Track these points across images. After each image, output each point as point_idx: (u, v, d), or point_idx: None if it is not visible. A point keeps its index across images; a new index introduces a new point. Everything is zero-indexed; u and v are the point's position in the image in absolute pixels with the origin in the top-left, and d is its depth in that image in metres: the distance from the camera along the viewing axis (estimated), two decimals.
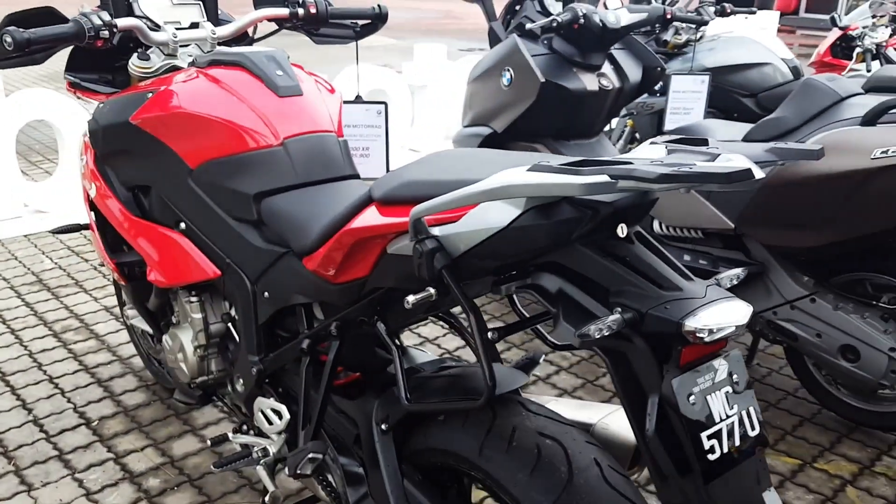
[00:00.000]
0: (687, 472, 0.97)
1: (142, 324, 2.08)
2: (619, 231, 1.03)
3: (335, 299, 1.40)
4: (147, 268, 1.80)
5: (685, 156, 0.98)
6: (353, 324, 1.41)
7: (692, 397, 0.97)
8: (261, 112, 1.61)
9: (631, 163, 0.89)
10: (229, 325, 1.77)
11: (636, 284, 0.99)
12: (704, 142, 1.05)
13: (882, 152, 1.98)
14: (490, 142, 2.94)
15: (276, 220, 1.54)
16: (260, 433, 1.71)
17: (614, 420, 1.26)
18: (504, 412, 1.21)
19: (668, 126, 3.48)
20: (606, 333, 0.95)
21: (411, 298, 1.13)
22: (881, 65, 4.82)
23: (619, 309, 0.97)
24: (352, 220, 1.26)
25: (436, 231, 1.10)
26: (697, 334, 0.94)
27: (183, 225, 1.72)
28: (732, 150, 0.97)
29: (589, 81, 2.68)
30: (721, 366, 1.02)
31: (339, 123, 1.73)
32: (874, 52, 4.83)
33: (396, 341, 1.39)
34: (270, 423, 1.62)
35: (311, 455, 1.37)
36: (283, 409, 1.58)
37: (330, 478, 1.51)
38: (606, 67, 2.76)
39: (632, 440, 1.19)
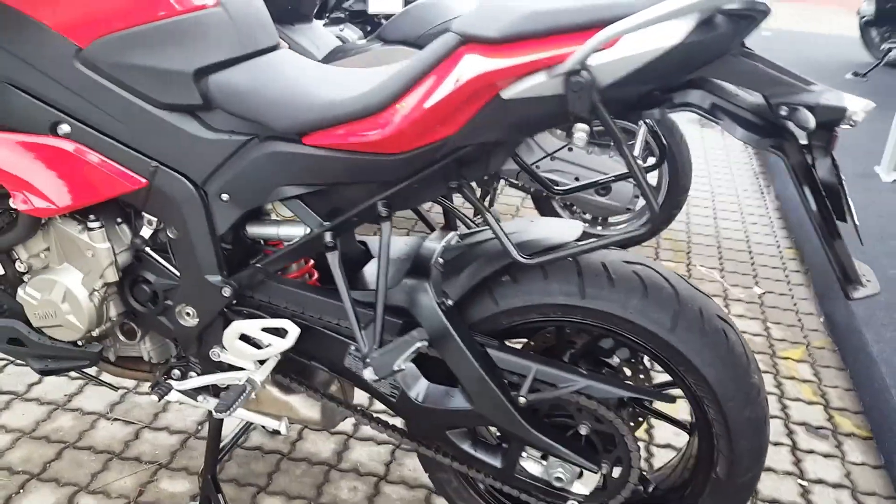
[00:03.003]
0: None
1: None
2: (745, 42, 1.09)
3: (378, 175, 1.19)
4: (7, 196, 1.29)
5: None
6: (408, 198, 1.23)
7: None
8: None
9: None
10: (146, 249, 1.37)
11: (788, 83, 1.06)
12: None
13: None
14: None
15: (237, 99, 1.22)
16: (221, 367, 1.41)
17: None
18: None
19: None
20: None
21: (581, 136, 1.04)
22: None
23: (785, 107, 1.05)
24: (446, 71, 1.08)
25: (591, 61, 1.02)
26: (854, 118, 1.06)
27: (66, 128, 1.25)
28: None
29: None
30: None
31: None
32: None
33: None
34: (260, 346, 1.35)
35: (418, 344, 1.20)
36: (289, 323, 1.32)
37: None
38: None
39: None
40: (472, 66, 1.06)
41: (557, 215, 3.04)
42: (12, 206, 1.30)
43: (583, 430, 1.31)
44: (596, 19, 1.02)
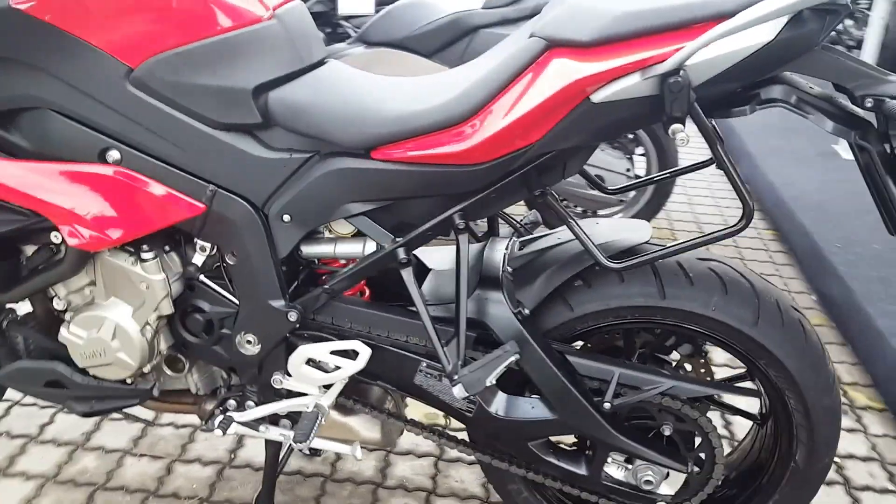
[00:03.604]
0: None
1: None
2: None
3: (455, 187, 1.16)
4: (56, 230, 1.20)
5: None
6: (485, 208, 1.19)
7: None
8: None
9: None
10: (199, 277, 1.30)
11: (871, 75, 1.07)
12: None
13: None
14: None
15: (299, 115, 1.17)
16: (281, 394, 1.35)
17: None
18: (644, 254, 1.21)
19: None
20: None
21: (682, 137, 1.03)
22: None
23: (870, 98, 1.06)
24: (533, 78, 1.05)
25: (687, 61, 1.01)
26: None
27: (116, 154, 1.18)
28: None
29: None
30: None
31: None
32: None
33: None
34: (327, 371, 1.30)
35: (512, 358, 1.16)
36: (359, 344, 1.27)
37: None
38: None
39: None
40: (563, 71, 1.04)
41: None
42: (56, 241, 1.23)
43: (666, 431, 1.30)
44: (688, 19, 1.01)
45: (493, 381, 1.18)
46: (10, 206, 1.20)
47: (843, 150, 4.17)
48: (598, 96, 1.05)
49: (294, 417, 1.42)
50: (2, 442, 1.85)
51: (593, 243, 1.17)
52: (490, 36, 2.67)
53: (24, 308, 1.43)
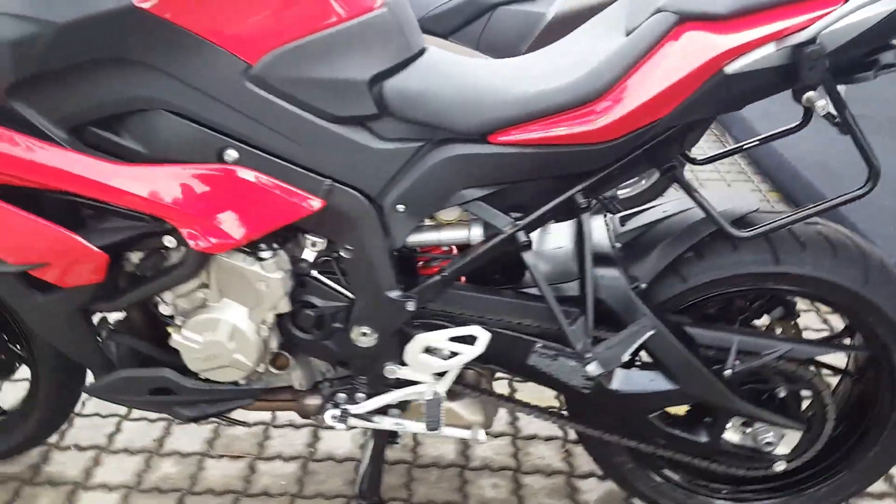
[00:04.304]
0: None
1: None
2: None
3: (578, 166, 1.17)
4: (170, 234, 1.18)
5: None
6: (606, 185, 1.20)
7: None
8: None
9: None
10: (311, 273, 1.29)
11: None
12: None
13: None
14: None
15: (413, 104, 1.16)
16: (389, 385, 1.35)
17: None
18: (762, 222, 1.23)
19: None
20: None
21: (822, 104, 1.05)
22: None
23: None
24: (667, 53, 1.06)
25: (825, 30, 1.03)
26: None
27: (234, 153, 1.15)
28: None
29: None
30: None
31: None
32: None
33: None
34: (444, 358, 1.30)
35: (648, 333, 1.18)
36: (478, 329, 1.28)
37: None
38: None
39: None
40: (701, 45, 1.05)
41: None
42: (170, 245, 1.20)
43: (781, 393, 1.34)
44: None
45: (628, 357, 1.20)
46: (130, 212, 1.17)
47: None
48: (731, 67, 1.06)
49: (403, 406, 1.42)
50: (72, 455, 1.81)
51: (721, 215, 1.19)
52: (509, 13, 2.66)
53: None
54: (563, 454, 1.82)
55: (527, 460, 1.81)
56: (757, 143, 1.44)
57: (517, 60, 1.29)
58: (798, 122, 1.35)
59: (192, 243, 1.16)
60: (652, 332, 1.20)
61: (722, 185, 3.62)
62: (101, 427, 1.90)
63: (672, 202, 1.35)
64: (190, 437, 1.87)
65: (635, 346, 1.20)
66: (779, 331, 1.44)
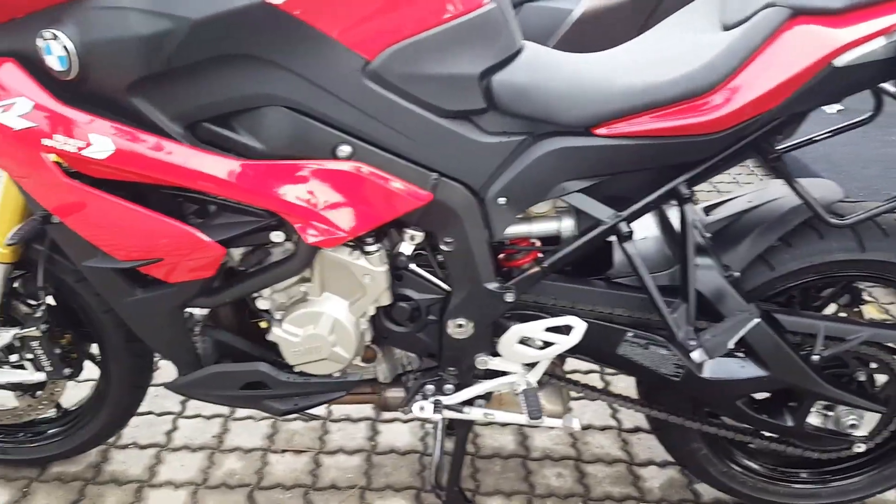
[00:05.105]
0: None
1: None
2: None
3: (683, 157, 1.19)
4: (278, 228, 1.19)
5: None
6: (708, 174, 1.23)
7: None
8: None
9: None
10: (409, 266, 1.30)
11: None
12: None
13: None
14: None
15: (519, 98, 1.18)
16: (477, 376, 1.38)
17: None
18: (853, 211, 1.27)
19: None
20: None
21: None
22: None
23: None
24: (781, 46, 1.09)
25: None
26: None
27: (347, 149, 1.16)
28: None
29: None
30: None
31: None
32: None
33: None
34: (538, 348, 1.32)
35: (755, 321, 1.21)
36: (574, 319, 1.30)
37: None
38: None
39: None
40: (816, 39, 1.08)
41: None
42: (277, 240, 1.21)
43: (861, 377, 1.39)
44: None
45: (733, 345, 1.23)
46: (243, 207, 1.17)
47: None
48: (840, 61, 1.09)
49: (486, 397, 1.44)
50: (133, 453, 1.79)
51: (819, 203, 1.22)
52: (536, 10, 2.67)
53: None
54: (620, 443, 1.86)
55: (586, 449, 1.84)
56: (829, 134, 1.48)
57: (610, 54, 1.31)
58: (869, 114, 1.39)
59: (306, 237, 1.16)
60: (757, 321, 1.24)
61: (734, 185, 3.69)
62: (158, 425, 1.88)
63: (756, 192, 1.39)
64: (250, 433, 1.86)
65: (741, 334, 1.23)
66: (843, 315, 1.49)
